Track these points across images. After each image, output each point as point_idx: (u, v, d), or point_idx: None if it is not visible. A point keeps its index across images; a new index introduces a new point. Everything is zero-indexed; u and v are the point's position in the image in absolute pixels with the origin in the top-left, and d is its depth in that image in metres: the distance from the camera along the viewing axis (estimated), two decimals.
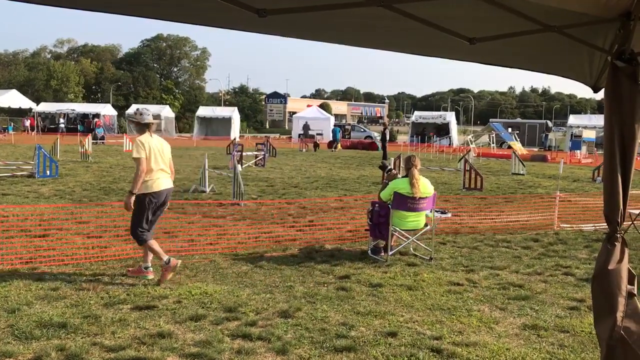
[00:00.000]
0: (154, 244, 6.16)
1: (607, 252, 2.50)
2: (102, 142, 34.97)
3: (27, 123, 46.94)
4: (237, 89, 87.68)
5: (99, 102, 65.18)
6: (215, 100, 78.52)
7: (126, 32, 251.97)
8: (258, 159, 21.56)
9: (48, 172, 15.36)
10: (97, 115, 46.93)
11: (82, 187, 13.58)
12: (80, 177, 15.71)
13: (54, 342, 4.42)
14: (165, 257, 6.11)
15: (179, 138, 47.15)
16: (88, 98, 77.69)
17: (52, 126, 48.26)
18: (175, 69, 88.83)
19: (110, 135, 43.08)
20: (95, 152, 25.29)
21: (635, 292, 2.51)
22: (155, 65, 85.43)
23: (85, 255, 6.98)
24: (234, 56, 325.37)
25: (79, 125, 47.15)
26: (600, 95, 2.91)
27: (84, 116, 48.82)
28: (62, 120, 47.36)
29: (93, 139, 28.91)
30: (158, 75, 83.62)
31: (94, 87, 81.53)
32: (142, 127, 6.23)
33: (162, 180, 6.18)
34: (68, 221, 9.03)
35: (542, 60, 3.20)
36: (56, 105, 53.23)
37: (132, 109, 6.51)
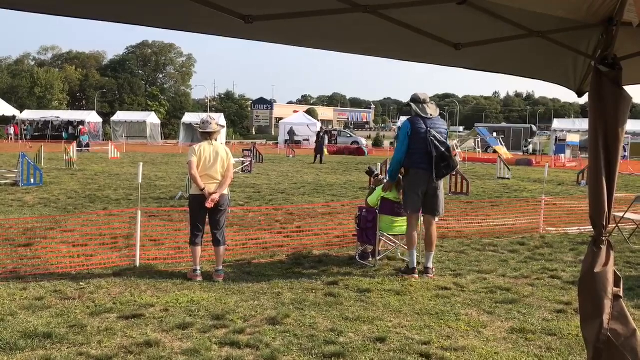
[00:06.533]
0: (193, 249, 6.55)
1: (592, 255, 2.52)
2: (87, 150, 34.67)
3: (11, 130, 46.50)
4: (223, 95, 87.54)
5: (84, 109, 64.74)
6: (201, 106, 78.24)
7: (111, 39, 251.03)
8: (245, 165, 21.49)
9: (32, 180, 15.17)
10: (82, 123, 46.60)
11: (67, 195, 13.44)
12: (65, 185, 15.55)
13: (39, 353, 4.36)
14: (195, 266, 6.54)
15: (164, 145, 46.94)
16: (73, 105, 77.08)
17: (37, 133, 47.89)
18: (160, 76, 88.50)
19: (95, 143, 42.75)
20: (80, 159, 25.08)
21: (621, 295, 2.53)
22: (140, 71, 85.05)
23: (71, 264, 6.90)
24: (220, 62, 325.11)
25: (63, 133, 46.78)
26: (584, 99, 2.94)
27: (69, 123, 48.55)
28: (25, 127, 47.04)
29: (78, 147, 28.66)
30: (143, 82, 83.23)
31: (78, 94, 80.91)
32: (204, 135, 6.65)
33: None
34: (53, 230, 8.93)
35: (527, 65, 3.23)
36: (40, 112, 52.82)
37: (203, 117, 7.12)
